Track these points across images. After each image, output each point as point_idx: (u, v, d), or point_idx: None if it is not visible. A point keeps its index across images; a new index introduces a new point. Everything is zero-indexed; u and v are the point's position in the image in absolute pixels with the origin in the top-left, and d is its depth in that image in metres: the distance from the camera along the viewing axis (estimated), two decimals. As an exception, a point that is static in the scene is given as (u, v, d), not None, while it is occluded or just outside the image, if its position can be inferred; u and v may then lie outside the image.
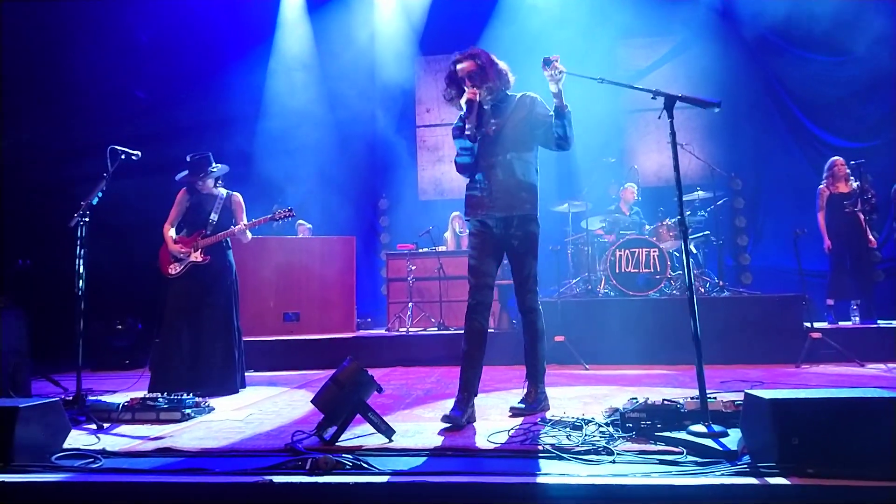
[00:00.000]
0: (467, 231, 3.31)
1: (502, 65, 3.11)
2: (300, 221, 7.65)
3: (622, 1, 7.76)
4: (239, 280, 4.40)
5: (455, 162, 3.17)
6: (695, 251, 6.50)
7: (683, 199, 2.61)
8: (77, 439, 2.75)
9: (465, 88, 3.06)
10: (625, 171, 7.40)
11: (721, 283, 6.06)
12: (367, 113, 8.81)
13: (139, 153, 3.68)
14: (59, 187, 5.37)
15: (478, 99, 3.02)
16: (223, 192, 4.36)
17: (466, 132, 3.01)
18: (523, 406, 3.06)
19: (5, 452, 2.24)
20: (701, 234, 6.46)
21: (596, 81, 2.77)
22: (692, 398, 2.53)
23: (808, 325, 4.96)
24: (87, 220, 3.33)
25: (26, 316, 4.22)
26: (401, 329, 6.31)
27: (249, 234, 4.32)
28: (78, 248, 3.30)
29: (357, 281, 6.85)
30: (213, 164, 4.25)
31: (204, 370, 4.07)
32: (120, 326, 6.04)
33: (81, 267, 3.30)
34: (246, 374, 4.43)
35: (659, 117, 2.61)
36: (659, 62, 8.52)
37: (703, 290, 5.96)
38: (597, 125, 7.53)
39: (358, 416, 2.59)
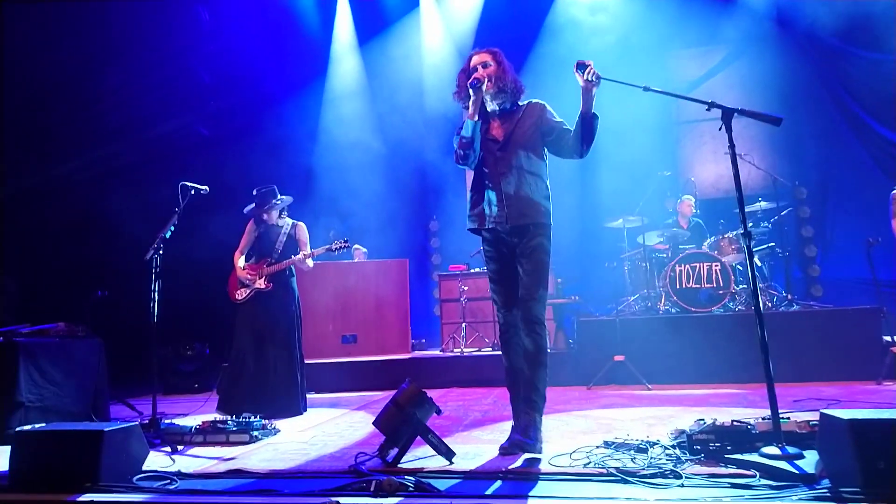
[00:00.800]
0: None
1: (515, 74, 3.01)
2: (356, 246, 7.84)
3: (671, 11, 7.65)
4: (301, 305, 4.56)
5: (456, 146, 2.95)
6: (759, 264, 6.24)
7: (745, 210, 2.52)
8: (154, 461, 2.89)
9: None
10: (681, 183, 7.22)
11: (789, 296, 5.78)
12: (417, 138, 8.98)
13: (207, 188, 3.90)
14: (133, 220, 5.73)
15: (484, 82, 2.87)
16: (289, 221, 4.56)
17: (468, 111, 2.88)
18: (527, 441, 2.60)
19: (93, 473, 2.39)
20: (765, 245, 6.21)
21: (641, 90, 2.69)
22: (764, 419, 2.42)
23: (889, 339, 4.65)
24: (161, 252, 3.54)
25: (104, 344, 4.49)
26: (455, 350, 6.33)
27: (311, 262, 4.47)
28: (153, 279, 3.50)
29: (410, 302, 6.94)
30: (278, 197, 4.47)
31: (269, 393, 4.22)
32: (189, 351, 6.32)
33: (156, 298, 3.50)
34: (308, 396, 4.56)
35: (719, 129, 2.53)
36: (712, 71, 8.31)
37: (770, 304, 5.70)
38: (649, 137, 7.40)
39: (418, 437, 2.62)
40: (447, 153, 9.24)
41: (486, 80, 2.89)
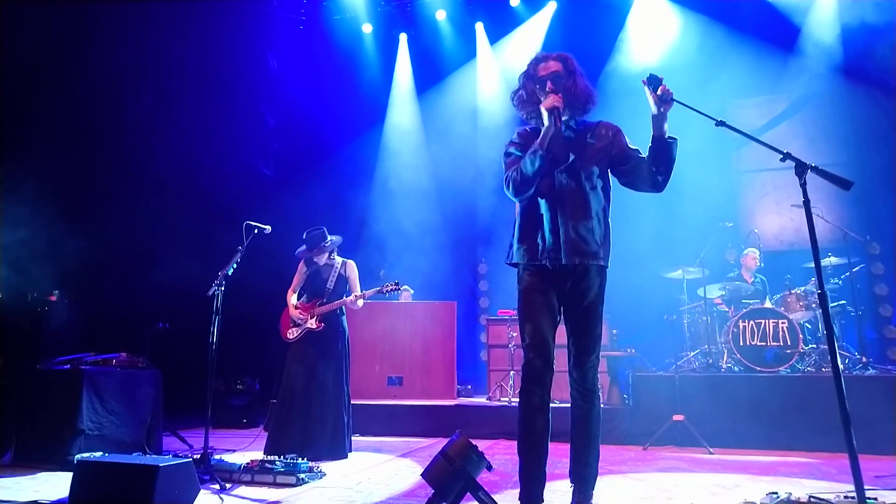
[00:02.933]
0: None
1: (587, 84, 2.61)
2: (404, 287, 7.88)
3: (732, 60, 7.57)
4: (350, 345, 4.58)
5: (516, 176, 2.49)
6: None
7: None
8: (203, 498, 2.89)
9: (543, 95, 2.51)
10: (743, 234, 6.96)
11: (864, 359, 5.39)
12: (468, 182, 9.08)
13: (270, 228, 4.02)
14: (196, 254, 5.96)
15: (561, 107, 2.47)
16: (339, 260, 4.64)
17: (537, 148, 2.45)
18: None
19: (146, 506, 2.41)
20: (836, 303, 5.85)
21: (714, 124, 2.44)
22: (846, 496, 2.21)
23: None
24: (223, 289, 3.63)
25: (161, 376, 4.61)
26: (502, 398, 6.16)
27: (361, 302, 4.50)
28: (213, 315, 3.59)
29: (457, 346, 6.85)
30: (327, 238, 4.54)
31: (316, 434, 4.20)
32: (240, 386, 6.42)
33: (215, 335, 3.57)
34: (353, 437, 4.52)
35: (802, 185, 2.34)
36: (775, 121, 8.10)
37: (842, 366, 5.33)
38: (710, 187, 7.21)
39: (467, 493, 2.52)
40: (498, 197, 9.31)
41: (561, 104, 2.48)
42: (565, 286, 2.51)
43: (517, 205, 2.63)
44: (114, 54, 7.07)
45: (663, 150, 2.46)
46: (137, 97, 7.24)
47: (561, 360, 2.55)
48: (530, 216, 2.57)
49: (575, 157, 2.54)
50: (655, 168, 2.49)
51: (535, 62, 2.63)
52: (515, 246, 2.60)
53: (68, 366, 4.08)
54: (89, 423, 3.95)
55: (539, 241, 2.52)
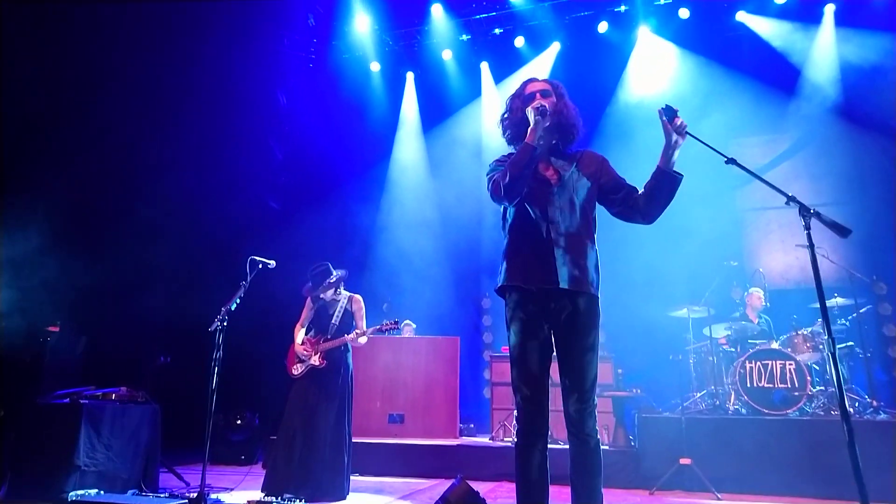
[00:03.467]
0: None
1: (576, 112, 2.60)
2: (406, 322, 7.83)
3: (733, 99, 7.68)
4: (354, 382, 4.52)
5: (506, 172, 2.40)
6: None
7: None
8: (198, 542, 2.82)
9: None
10: (748, 273, 6.93)
11: (874, 402, 5.29)
12: (472, 217, 9.13)
13: (274, 262, 4.03)
14: (200, 288, 5.96)
15: (549, 109, 2.44)
16: (345, 295, 4.62)
17: (528, 142, 2.39)
18: None
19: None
20: (844, 344, 5.78)
21: (724, 161, 2.41)
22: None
23: None
24: (225, 324, 3.62)
25: (160, 410, 4.56)
26: (506, 439, 6.05)
27: (364, 339, 4.47)
28: (215, 350, 3.57)
29: (460, 382, 6.77)
30: (333, 274, 4.52)
31: (314, 473, 4.11)
32: (239, 421, 6.32)
33: (216, 371, 3.54)
34: (351, 477, 4.42)
35: (807, 228, 2.33)
36: (777, 160, 8.16)
37: (852, 410, 5.23)
38: (715, 225, 7.23)
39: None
40: (501, 231, 9.36)
41: (548, 107, 2.46)
42: (559, 317, 2.39)
43: (506, 226, 2.57)
44: (123, 87, 7.21)
45: (668, 183, 2.41)
46: (146, 130, 7.36)
47: (557, 396, 2.43)
48: (521, 237, 2.49)
49: (565, 181, 2.50)
50: (653, 201, 2.44)
51: (524, 84, 2.65)
52: (504, 267, 2.50)
53: (67, 400, 4.04)
54: (86, 458, 3.89)
55: (530, 262, 2.42)
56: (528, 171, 2.41)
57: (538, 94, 2.54)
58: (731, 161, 2.42)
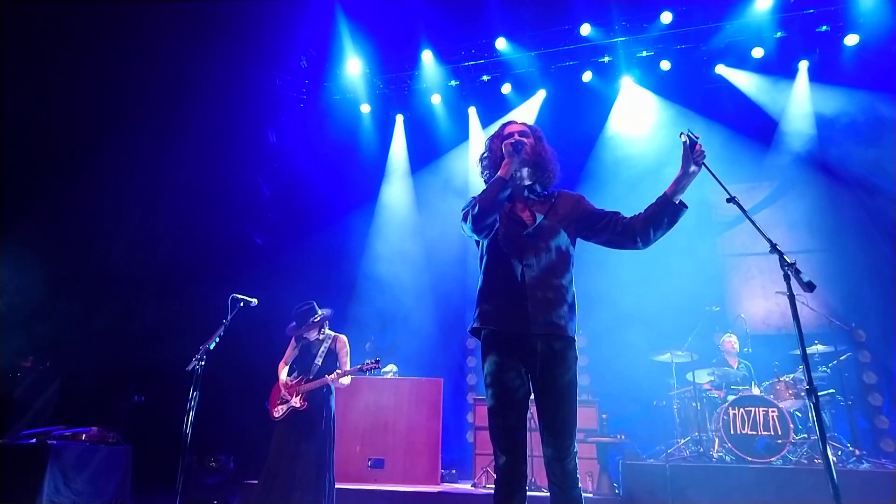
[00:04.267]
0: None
1: (555, 155, 2.64)
2: (386, 369, 7.66)
3: (713, 149, 7.82)
4: (336, 425, 4.41)
5: (476, 203, 2.42)
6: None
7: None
8: None
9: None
10: (730, 318, 6.99)
11: (857, 451, 5.28)
12: (458, 257, 9.16)
13: (256, 301, 3.98)
14: (177, 327, 5.85)
15: (525, 147, 2.47)
16: (329, 334, 4.55)
17: (500, 175, 2.42)
18: None
19: None
20: (825, 392, 5.80)
21: (726, 199, 2.46)
22: None
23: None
24: (203, 363, 3.55)
25: (132, 451, 4.41)
26: (488, 486, 5.90)
27: (347, 380, 4.39)
28: (191, 390, 3.48)
29: (443, 425, 6.63)
30: (317, 313, 4.48)
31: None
32: (213, 463, 6.13)
33: (192, 411, 3.45)
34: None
35: (786, 277, 2.39)
36: (756, 208, 8.34)
37: (835, 459, 5.20)
38: (697, 271, 7.32)
39: None
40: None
41: (524, 147, 2.49)
42: (535, 362, 2.33)
43: (482, 267, 2.56)
44: (111, 119, 7.24)
45: (673, 212, 2.40)
46: (134, 166, 7.37)
47: (538, 441, 2.36)
48: (494, 279, 2.46)
49: (541, 221, 2.49)
50: (652, 225, 2.41)
51: (503, 126, 2.70)
52: (478, 310, 2.47)
53: (34, 440, 3.90)
54: (49, 501, 3.73)
55: (503, 305, 2.38)
56: (498, 204, 2.41)
57: (516, 134, 2.58)
58: (731, 200, 2.48)
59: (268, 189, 8.74)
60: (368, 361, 4.38)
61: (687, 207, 2.43)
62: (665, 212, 2.40)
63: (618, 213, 2.53)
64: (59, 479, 3.83)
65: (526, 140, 2.54)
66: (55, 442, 3.90)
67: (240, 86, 8.17)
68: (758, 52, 7.94)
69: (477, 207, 2.40)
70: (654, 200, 2.45)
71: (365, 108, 9.22)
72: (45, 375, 5.75)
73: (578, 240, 2.63)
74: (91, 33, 6.75)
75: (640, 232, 2.44)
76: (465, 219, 2.48)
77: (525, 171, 2.56)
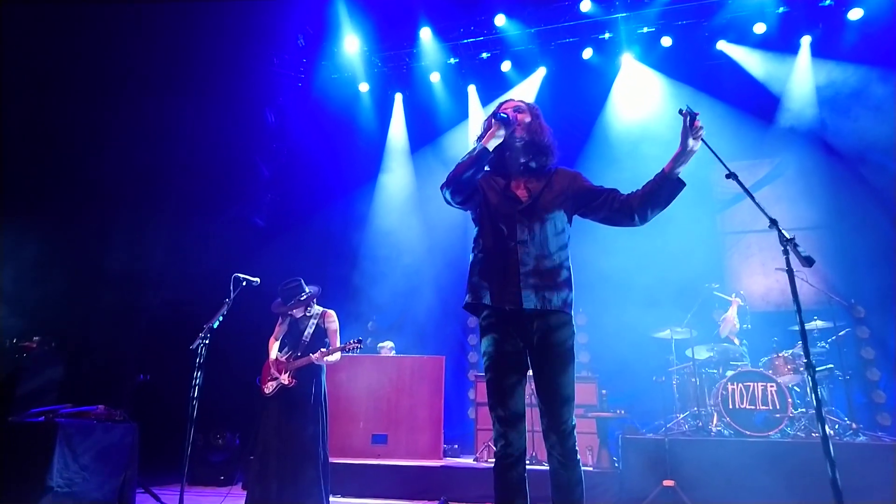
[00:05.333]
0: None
1: (552, 133, 2.62)
2: (381, 344, 7.69)
3: (714, 126, 7.82)
4: (331, 398, 4.45)
5: (452, 170, 2.47)
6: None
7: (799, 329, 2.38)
8: (174, 565, 2.76)
9: None
10: (729, 296, 7.02)
11: (854, 425, 5.35)
12: (459, 236, 9.17)
13: (258, 280, 4.00)
14: (182, 308, 5.89)
15: (514, 123, 2.49)
16: (318, 310, 4.53)
17: (479, 144, 2.46)
18: None
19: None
20: (824, 367, 5.85)
21: (725, 174, 2.44)
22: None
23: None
24: (207, 342, 3.58)
25: (138, 429, 4.48)
26: (490, 460, 5.99)
27: (336, 356, 4.37)
28: (195, 370, 3.52)
29: (444, 402, 6.72)
30: (304, 290, 4.44)
31: (292, 494, 4.04)
32: (220, 440, 6.20)
33: (197, 390, 3.49)
34: (332, 498, 4.35)
35: (785, 253, 2.38)
36: (758, 185, 8.31)
37: (832, 432, 5.28)
38: (697, 248, 7.34)
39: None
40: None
41: (517, 123, 2.51)
42: (531, 338, 2.35)
43: (475, 242, 2.56)
44: (108, 101, 7.19)
45: (671, 189, 2.39)
46: (132, 148, 7.33)
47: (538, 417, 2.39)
48: (487, 255, 2.46)
49: (538, 195, 2.49)
50: (650, 202, 2.40)
51: (500, 105, 2.68)
52: (470, 284, 2.47)
53: (42, 418, 3.96)
54: (59, 479, 3.81)
55: (496, 282, 2.39)
56: (474, 169, 2.43)
57: (511, 110, 2.56)
58: (731, 175, 2.47)
59: (267, 170, 8.71)
60: (352, 341, 4.32)
61: (685, 185, 2.42)
62: (663, 189, 2.39)
63: (615, 191, 2.52)
64: (68, 455, 3.89)
65: (520, 115, 2.54)
66: (63, 420, 3.95)
67: (238, 65, 8.10)
68: (760, 28, 7.85)
69: (453, 170, 2.45)
70: (652, 178, 2.45)
71: (363, 87, 9.15)
72: (50, 355, 5.79)
73: (576, 217, 2.63)
74: (86, 16, 6.67)
75: (637, 209, 2.43)
76: (442, 185, 2.51)
77: (520, 149, 2.55)
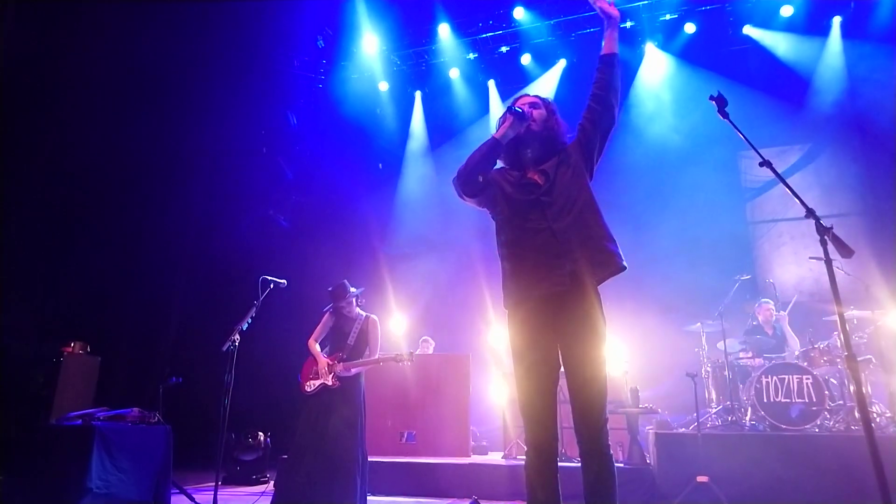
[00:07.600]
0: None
1: (566, 128, 2.62)
2: (424, 338, 7.79)
3: (742, 112, 7.62)
4: (366, 402, 4.46)
5: (463, 163, 2.48)
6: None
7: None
8: (210, 565, 2.79)
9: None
10: (760, 286, 6.87)
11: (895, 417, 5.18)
12: (482, 234, 9.13)
13: (286, 282, 4.04)
14: (212, 308, 5.99)
15: (529, 118, 2.48)
16: (362, 314, 4.56)
17: (496, 134, 2.46)
18: None
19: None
20: (862, 358, 5.67)
21: (759, 162, 2.46)
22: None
23: None
24: (237, 344, 3.62)
25: (173, 431, 4.56)
26: (519, 457, 5.97)
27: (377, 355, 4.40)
28: (227, 372, 3.56)
29: (472, 400, 6.70)
30: (350, 290, 4.48)
31: (325, 492, 4.06)
32: (251, 440, 6.28)
33: (229, 391, 3.54)
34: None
35: (823, 242, 2.32)
36: (788, 171, 8.10)
37: (873, 425, 5.10)
38: (726, 238, 7.19)
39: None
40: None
41: (533, 119, 2.50)
42: (564, 327, 2.28)
43: (500, 238, 2.53)
44: (134, 106, 7.31)
45: (607, 62, 2.60)
46: (157, 150, 7.46)
47: (570, 413, 2.32)
48: (518, 243, 2.41)
49: (555, 174, 2.45)
50: (608, 87, 2.55)
51: (515, 99, 2.66)
52: (510, 283, 2.40)
53: (80, 422, 4.05)
54: (98, 480, 3.89)
55: (532, 272, 2.33)
56: (487, 162, 2.45)
57: (526, 105, 2.56)
58: (765, 163, 2.45)
59: (290, 171, 8.81)
60: (398, 354, 4.34)
61: (616, 53, 2.60)
62: (607, 69, 2.58)
63: (587, 109, 2.57)
64: (106, 458, 3.98)
65: (535, 111, 2.53)
66: (99, 423, 4.04)
67: (259, 69, 8.18)
68: (787, 11, 7.65)
69: (465, 163, 2.46)
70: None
71: (383, 86, 9.16)
72: (85, 360, 5.93)
73: (596, 173, 2.60)
74: (107, 21, 6.79)
75: (604, 103, 2.52)
76: (454, 177, 2.51)
77: (536, 144, 2.52)
